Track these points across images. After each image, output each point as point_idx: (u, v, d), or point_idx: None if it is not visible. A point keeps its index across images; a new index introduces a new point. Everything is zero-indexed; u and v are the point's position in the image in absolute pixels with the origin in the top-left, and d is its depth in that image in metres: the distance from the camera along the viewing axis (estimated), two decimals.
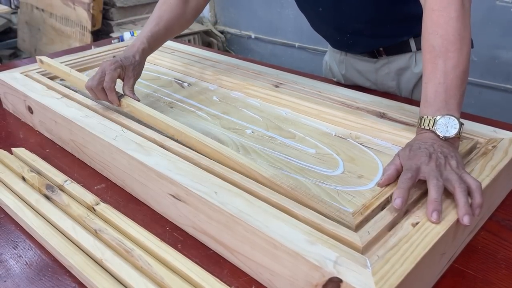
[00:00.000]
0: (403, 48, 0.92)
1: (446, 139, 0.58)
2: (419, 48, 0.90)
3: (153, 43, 0.88)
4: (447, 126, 0.57)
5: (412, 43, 0.91)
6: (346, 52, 1.01)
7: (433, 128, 0.58)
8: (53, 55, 1.27)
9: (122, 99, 0.78)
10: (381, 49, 0.93)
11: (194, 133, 0.68)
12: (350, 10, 0.87)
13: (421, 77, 0.84)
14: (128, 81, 0.81)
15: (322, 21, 0.95)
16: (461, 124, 0.58)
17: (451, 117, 0.58)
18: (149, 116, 0.74)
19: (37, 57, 0.98)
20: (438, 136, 0.58)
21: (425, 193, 0.55)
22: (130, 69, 0.81)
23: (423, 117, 0.60)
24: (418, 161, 0.54)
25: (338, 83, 1.04)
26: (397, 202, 0.50)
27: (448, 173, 0.53)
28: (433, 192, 0.51)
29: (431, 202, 0.50)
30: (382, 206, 0.53)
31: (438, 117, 0.58)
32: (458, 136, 0.58)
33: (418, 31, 0.68)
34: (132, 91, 0.81)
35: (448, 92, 0.59)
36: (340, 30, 0.92)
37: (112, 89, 0.78)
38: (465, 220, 0.49)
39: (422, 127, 0.60)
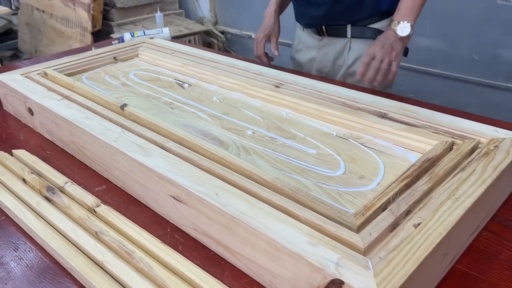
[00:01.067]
0: (341, 33, 1.08)
1: (400, 37, 0.91)
2: (353, 36, 1.06)
3: (280, 2, 1.16)
4: (404, 28, 0.90)
5: (349, 30, 1.06)
6: (303, 28, 1.19)
7: (395, 28, 0.92)
8: (53, 56, 1.27)
9: (125, 108, 0.79)
10: (323, 27, 1.10)
11: (197, 140, 0.68)
12: None
13: (352, 63, 1.08)
14: (272, 40, 1.13)
15: None
16: (412, 29, 0.91)
17: (408, 24, 0.90)
18: (152, 123, 0.74)
19: (42, 69, 0.98)
20: (397, 34, 0.91)
21: (427, 193, 0.55)
22: (271, 32, 1.13)
23: (393, 21, 0.92)
24: (374, 49, 0.91)
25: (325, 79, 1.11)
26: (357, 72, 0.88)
27: (385, 56, 0.89)
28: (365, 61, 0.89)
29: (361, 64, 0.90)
30: (383, 207, 0.53)
31: (401, 22, 0.91)
32: (408, 36, 0.92)
33: (354, 20, 1.03)
34: (276, 46, 1.13)
35: (413, 8, 0.92)
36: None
37: (262, 55, 1.14)
38: (358, 74, 0.91)
39: (391, 26, 0.93)
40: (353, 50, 1.07)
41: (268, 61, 1.15)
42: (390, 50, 0.90)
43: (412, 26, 0.90)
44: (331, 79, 1.10)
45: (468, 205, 0.52)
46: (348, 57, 1.07)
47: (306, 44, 1.16)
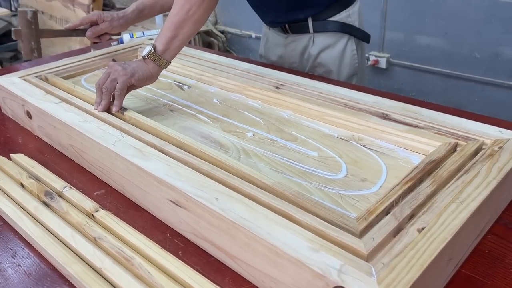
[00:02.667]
0: (303, 29, 1.09)
1: (143, 57, 0.82)
2: (316, 30, 1.08)
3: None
4: (146, 48, 0.82)
5: (310, 25, 1.07)
6: (269, 27, 1.20)
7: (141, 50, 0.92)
8: (52, 58, 1.27)
9: (125, 112, 0.78)
10: (287, 26, 1.10)
11: (197, 143, 0.67)
12: None
13: (318, 55, 1.10)
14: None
15: None
16: (150, 51, 0.81)
17: (150, 46, 0.82)
18: (152, 128, 0.73)
19: (42, 74, 0.97)
20: (141, 55, 0.83)
21: (431, 197, 0.54)
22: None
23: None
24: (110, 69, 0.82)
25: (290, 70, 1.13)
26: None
27: (117, 76, 0.80)
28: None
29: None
30: (386, 211, 0.52)
31: (147, 46, 0.83)
32: (147, 58, 0.81)
33: (314, 13, 1.05)
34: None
35: (162, 31, 0.83)
36: (261, 2, 1.11)
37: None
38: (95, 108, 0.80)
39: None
40: (316, 44, 1.10)
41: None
42: (124, 69, 0.80)
43: (155, 46, 0.81)
44: (331, 79, 1.09)
45: (473, 209, 0.51)
46: (312, 50, 1.11)
47: (274, 42, 1.19)
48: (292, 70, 1.11)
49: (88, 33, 1.06)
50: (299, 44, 1.12)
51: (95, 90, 0.81)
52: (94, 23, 1.07)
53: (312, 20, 1.07)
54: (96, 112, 0.79)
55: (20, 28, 1.04)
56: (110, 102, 0.80)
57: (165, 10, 1.16)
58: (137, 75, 0.81)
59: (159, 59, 0.82)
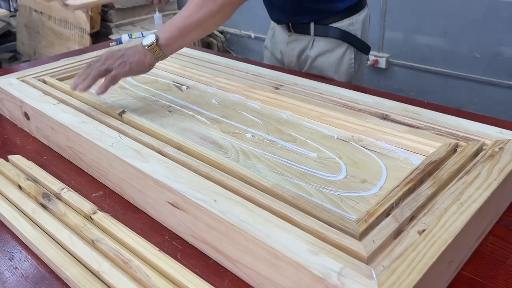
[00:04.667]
0: (305, 30, 1.10)
1: (143, 46, 0.81)
2: (316, 34, 1.09)
3: None
4: (149, 38, 0.80)
5: (312, 28, 1.09)
6: (277, 23, 1.20)
7: (142, 38, 0.84)
8: (51, 59, 1.26)
9: (123, 115, 0.77)
10: (290, 24, 1.12)
11: (195, 145, 0.66)
12: None
13: (315, 58, 1.11)
14: None
15: None
16: (152, 43, 0.80)
17: (154, 35, 0.81)
18: (150, 129, 0.73)
19: (41, 77, 0.97)
20: (142, 43, 0.81)
21: (431, 198, 0.54)
22: None
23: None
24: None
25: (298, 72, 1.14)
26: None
27: (110, 62, 0.80)
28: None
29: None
30: (387, 213, 0.51)
31: (149, 34, 0.81)
32: (149, 48, 0.81)
33: (316, 19, 1.06)
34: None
35: (170, 25, 0.82)
36: (269, 1, 1.14)
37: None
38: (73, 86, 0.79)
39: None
40: (315, 47, 1.11)
41: None
42: (121, 56, 0.81)
43: (157, 39, 0.80)
44: (330, 80, 1.08)
45: (474, 210, 0.51)
46: (310, 53, 1.12)
47: (279, 37, 1.21)
48: (291, 71, 1.11)
49: None
50: (298, 45, 1.13)
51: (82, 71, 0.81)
52: None
53: (315, 24, 1.08)
54: (94, 113, 0.79)
55: None
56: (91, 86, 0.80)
57: None
58: (134, 70, 0.81)
59: (159, 52, 0.81)
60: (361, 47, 1.10)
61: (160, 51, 0.81)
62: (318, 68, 1.11)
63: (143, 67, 0.82)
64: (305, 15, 1.08)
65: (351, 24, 1.07)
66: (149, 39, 0.80)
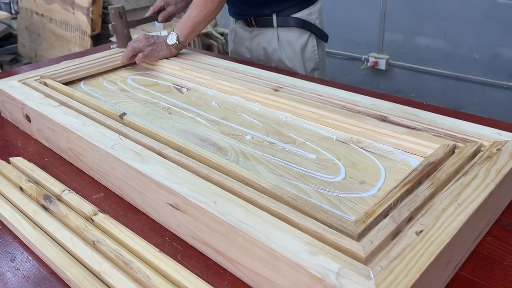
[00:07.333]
0: (268, 23, 1.19)
1: (168, 45, 1.08)
2: (279, 25, 1.18)
3: None
4: (172, 38, 1.08)
5: (274, 20, 1.18)
6: (236, 21, 1.30)
7: (166, 36, 1.09)
8: (52, 62, 1.27)
9: (124, 117, 0.78)
10: (252, 19, 1.21)
11: (195, 147, 0.67)
12: None
13: (282, 49, 1.20)
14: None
15: None
16: (175, 43, 1.08)
17: (175, 34, 1.07)
18: (150, 131, 0.73)
19: (42, 80, 0.97)
20: (166, 41, 1.09)
21: (429, 199, 0.54)
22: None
23: (172, 31, 1.09)
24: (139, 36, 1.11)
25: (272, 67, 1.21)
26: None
27: (145, 43, 1.08)
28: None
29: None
30: (385, 214, 0.52)
31: (171, 33, 1.08)
32: (174, 45, 1.09)
33: (278, 10, 1.15)
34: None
35: (184, 25, 1.08)
36: None
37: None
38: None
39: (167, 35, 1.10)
40: (281, 38, 1.19)
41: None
42: (152, 44, 1.08)
43: (178, 37, 1.07)
44: (329, 82, 1.09)
45: (471, 211, 0.51)
46: (276, 45, 1.20)
47: (242, 36, 1.28)
48: (290, 73, 1.11)
49: (159, 17, 1.23)
50: (263, 38, 1.21)
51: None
52: (162, 9, 1.24)
53: (276, 16, 1.17)
54: (95, 116, 0.79)
55: (115, 23, 1.19)
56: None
57: None
58: (161, 57, 1.09)
59: (180, 46, 1.09)
60: (321, 35, 1.21)
61: (181, 45, 1.09)
62: (287, 57, 1.20)
63: (169, 56, 1.10)
64: (266, 6, 1.16)
65: (310, 14, 1.18)
66: (172, 38, 1.07)
